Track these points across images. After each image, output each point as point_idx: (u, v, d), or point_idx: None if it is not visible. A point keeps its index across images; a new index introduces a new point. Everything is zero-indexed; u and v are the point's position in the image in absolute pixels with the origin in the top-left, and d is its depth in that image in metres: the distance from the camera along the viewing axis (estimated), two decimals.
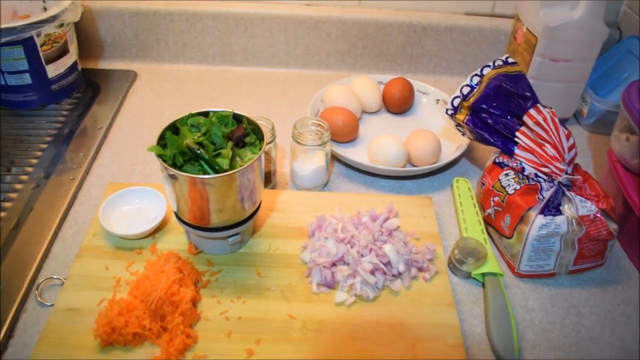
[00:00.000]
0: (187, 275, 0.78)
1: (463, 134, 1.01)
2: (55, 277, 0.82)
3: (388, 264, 0.82)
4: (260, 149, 0.78)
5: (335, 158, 1.08)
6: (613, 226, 0.84)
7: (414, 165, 1.05)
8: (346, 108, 1.09)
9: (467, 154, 1.12)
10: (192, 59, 1.35)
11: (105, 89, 1.25)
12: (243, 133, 0.79)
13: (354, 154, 1.05)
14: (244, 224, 0.81)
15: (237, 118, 0.82)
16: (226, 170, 0.73)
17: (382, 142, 1.02)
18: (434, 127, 1.13)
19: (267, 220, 0.91)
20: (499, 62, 0.97)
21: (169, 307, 0.73)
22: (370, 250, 0.83)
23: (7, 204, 0.93)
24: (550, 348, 0.78)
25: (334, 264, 0.82)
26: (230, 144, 0.77)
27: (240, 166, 0.74)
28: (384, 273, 0.82)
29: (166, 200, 0.88)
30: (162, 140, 0.77)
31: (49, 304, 0.78)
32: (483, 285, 0.85)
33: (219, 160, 0.75)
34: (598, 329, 0.81)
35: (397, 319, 0.78)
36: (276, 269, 0.83)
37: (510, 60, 0.97)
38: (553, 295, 0.86)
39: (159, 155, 0.74)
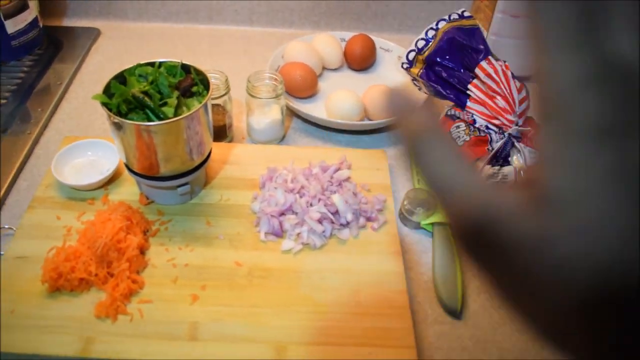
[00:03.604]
0: (135, 224, 0.79)
1: (419, 89, 1.02)
2: (7, 227, 0.83)
3: (336, 213, 0.83)
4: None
5: (294, 113, 1.08)
6: None
7: (370, 120, 1.05)
8: (305, 64, 1.09)
9: None
10: (156, 17, 1.34)
11: (68, 46, 1.24)
12: (190, 83, 0.79)
13: (312, 109, 1.06)
14: (192, 174, 0.82)
15: (186, 69, 0.82)
16: (170, 118, 0.74)
17: (338, 97, 1.02)
18: (394, 83, 1.13)
19: (220, 172, 0.91)
20: (454, 16, 0.97)
21: (115, 254, 0.74)
22: (319, 200, 0.84)
23: None
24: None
25: (282, 214, 0.83)
26: (176, 93, 0.77)
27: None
28: (332, 222, 0.83)
29: None
30: (108, 90, 0.77)
31: (0, 253, 0.79)
32: (432, 235, 0.86)
33: (164, 109, 0.75)
34: None
35: (343, 267, 0.79)
36: (226, 219, 0.84)
37: (466, 14, 0.97)
38: None
39: (104, 104, 0.74)
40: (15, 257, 0.77)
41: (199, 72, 0.81)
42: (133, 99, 0.75)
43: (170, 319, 0.71)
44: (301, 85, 1.07)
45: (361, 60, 1.18)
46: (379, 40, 1.22)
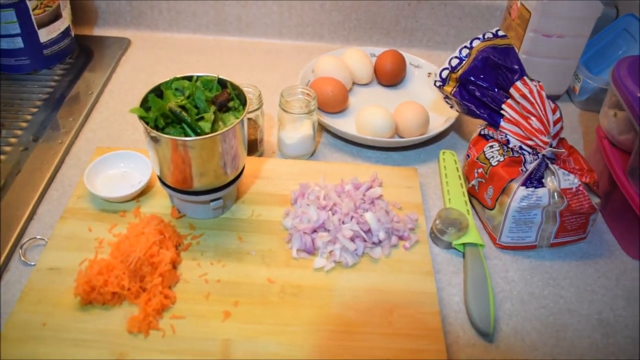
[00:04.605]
0: (168, 238, 0.79)
1: (451, 107, 1.01)
2: (39, 237, 0.83)
3: (368, 231, 0.83)
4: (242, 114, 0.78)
5: (324, 128, 1.08)
6: (595, 200, 0.85)
7: (401, 137, 1.05)
8: (336, 79, 1.09)
9: (457, 128, 1.12)
10: (186, 28, 1.34)
11: (99, 55, 1.25)
12: (226, 98, 0.79)
13: (342, 124, 1.05)
14: (225, 189, 0.81)
15: (222, 83, 0.82)
16: (207, 133, 0.74)
17: (369, 113, 1.02)
18: (424, 100, 1.13)
19: (251, 187, 0.91)
20: (488, 35, 0.97)
21: (148, 268, 0.74)
22: (352, 217, 0.83)
23: None
24: (527, 318, 0.79)
25: (314, 231, 0.83)
26: (213, 108, 0.77)
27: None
28: (364, 240, 0.82)
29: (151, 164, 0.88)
30: (146, 103, 0.77)
31: (32, 263, 0.79)
32: (464, 255, 0.86)
33: (201, 123, 0.75)
34: (576, 301, 0.82)
35: (375, 286, 0.78)
36: (257, 235, 0.84)
37: (500, 33, 0.97)
38: (533, 267, 0.86)
39: (141, 117, 0.75)
40: (47, 268, 0.77)
41: (235, 87, 0.81)
42: (170, 113, 0.75)
43: (203, 335, 0.71)
44: (332, 101, 1.07)
45: (391, 76, 1.18)
46: (409, 57, 1.22)
